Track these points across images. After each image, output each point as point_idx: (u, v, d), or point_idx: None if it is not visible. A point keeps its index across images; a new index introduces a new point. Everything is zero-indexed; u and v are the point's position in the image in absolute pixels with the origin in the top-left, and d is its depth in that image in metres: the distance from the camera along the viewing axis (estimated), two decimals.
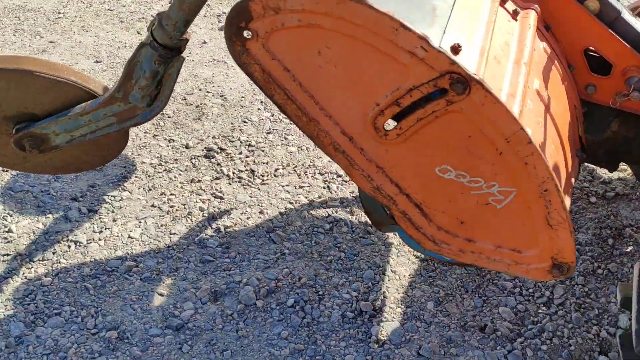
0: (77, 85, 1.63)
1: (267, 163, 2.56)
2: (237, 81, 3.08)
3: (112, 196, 2.37)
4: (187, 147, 2.63)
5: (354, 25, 1.15)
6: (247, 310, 1.95)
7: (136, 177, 2.47)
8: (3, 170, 2.44)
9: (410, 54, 1.14)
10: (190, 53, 3.30)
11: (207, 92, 2.99)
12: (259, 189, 2.44)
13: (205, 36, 3.48)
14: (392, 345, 1.87)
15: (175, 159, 2.56)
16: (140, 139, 2.66)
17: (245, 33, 1.24)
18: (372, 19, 1.13)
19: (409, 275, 2.10)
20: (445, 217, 1.34)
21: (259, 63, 1.28)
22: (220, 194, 2.39)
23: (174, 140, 2.66)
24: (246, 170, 2.52)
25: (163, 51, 1.48)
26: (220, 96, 2.96)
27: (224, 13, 3.72)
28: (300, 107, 1.29)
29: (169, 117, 2.80)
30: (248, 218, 2.30)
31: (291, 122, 1.46)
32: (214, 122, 2.79)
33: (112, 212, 2.30)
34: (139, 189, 2.41)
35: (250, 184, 2.46)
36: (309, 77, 1.25)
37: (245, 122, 2.79)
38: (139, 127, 2.67)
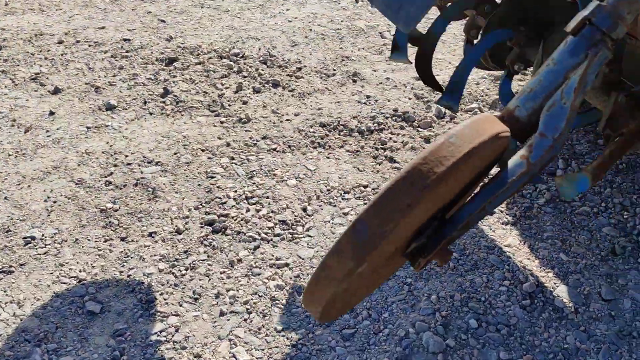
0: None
1: (274, 212, 2.13)
2: (150, 139, 2.45)
3: (168, 325, 1.70)
4: (179, 232, 2.02)
5: None
6: (452, 354, 1.64)
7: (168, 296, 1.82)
8: None
9: None
10: (59, 128, 2.50)
11: (128, 164, 2.32)
12: (292, 245, 2.03)
13: (46, 107, 2.66)
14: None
15: (186, 250, 1.95)
16: (127, 256, 1.95)
17: None
18: None
19: (520, 243, 2.04)
20: None
21: None
22: (278, 260, 1.93)
23: (156, 234, 2.01)
24: (272, 224, 2.06)
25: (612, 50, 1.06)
26: (149, 162, 2.33)
27: (37, 75, 2.89)
28: None
29: (114, 210, 2.09)
30: None
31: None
32: (175, 192, 2.19)
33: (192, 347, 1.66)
34: (189, 311, 1.78)
35: (273, 241, 2.03)
36: None
37: (212, 176, 2.26)
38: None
